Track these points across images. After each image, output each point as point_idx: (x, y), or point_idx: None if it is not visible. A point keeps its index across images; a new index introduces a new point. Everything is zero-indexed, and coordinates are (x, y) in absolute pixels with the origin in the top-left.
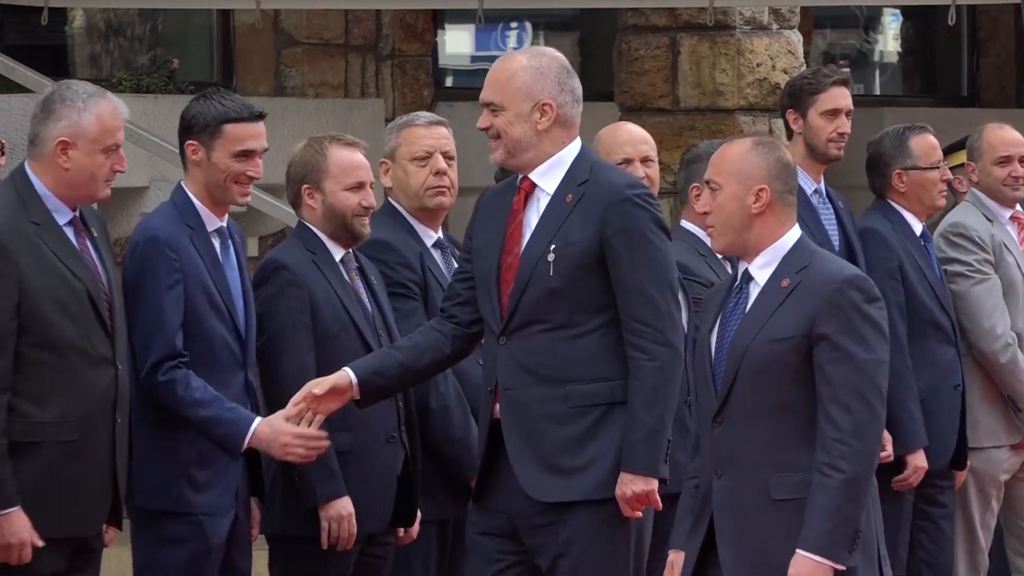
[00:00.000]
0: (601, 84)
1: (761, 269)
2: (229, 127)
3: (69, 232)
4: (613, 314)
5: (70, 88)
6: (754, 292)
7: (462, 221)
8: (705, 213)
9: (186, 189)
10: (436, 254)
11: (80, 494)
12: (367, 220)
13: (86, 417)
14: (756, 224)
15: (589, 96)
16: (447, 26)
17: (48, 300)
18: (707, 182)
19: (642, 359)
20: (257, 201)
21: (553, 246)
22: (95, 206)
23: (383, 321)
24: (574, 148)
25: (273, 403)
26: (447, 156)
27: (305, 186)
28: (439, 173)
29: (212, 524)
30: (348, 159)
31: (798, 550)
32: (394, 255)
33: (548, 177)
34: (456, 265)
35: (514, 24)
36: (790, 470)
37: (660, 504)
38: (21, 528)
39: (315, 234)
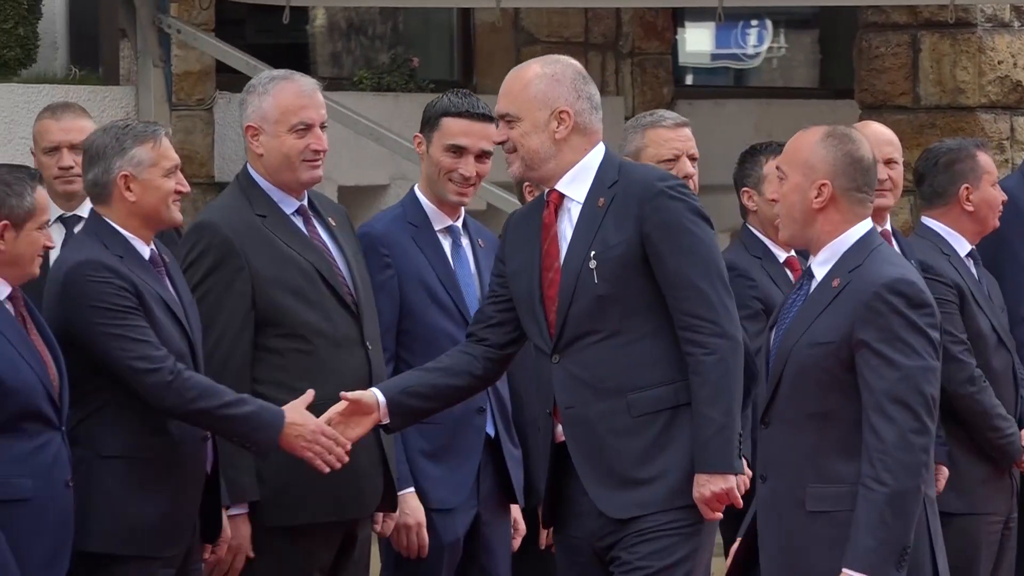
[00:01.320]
0: (841, 82)
1: (821, 265)
2: (447, 120)
3: (298, 221)
4: (665, 313)
5: (258, 77)
6: (812, 289)
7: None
8: (773, 200)
9: (416, 188)
10: None
11: (349, 477)
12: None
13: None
14: (819, 219)
15: (829, 94)
16: (687, 24)
17: (283, 288)
18: (777, 168)
19: (700, 354)
20: (496, 199)
21: (593, 252)
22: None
23: None
24: (598, 153)
25: None
26: (692, 158)
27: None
28: (685, 177)
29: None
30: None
31: (844, 569)
32: None
33: (575, 185)
34: None
35: (754, 22)
36: (828, 481)
37: (740, 502)
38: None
39: None
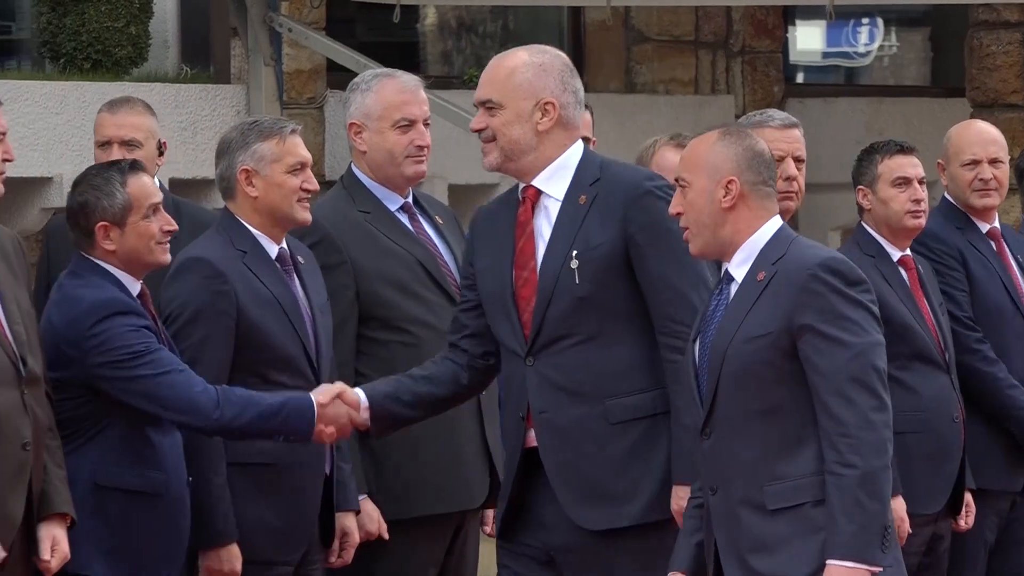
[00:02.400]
0: (953, 80)
1: (740, 266)
2: None
3: (402, 217)
4: (645, 318)
5: (362, 75)
6: (734, 291)
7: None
8: (678, 215)
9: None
10: None
11: (455, 469)
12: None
13: None
14: (729, 219)
15: (940, 92)
16: (797, 22)
17: (385, 281)
18: (676, 180)
19: (680, 360)
20: None
21: (575, 252)
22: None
23: None
24: (577, 150)
25: None
26: (798, 160)
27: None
28: (789, 179)
29: None
30: (672, 160)
31: (828, 560)
32: None
33: (554, 182)
34: None
35: (865, 20)
36: (784, 477)
37: None
38: None
39: None
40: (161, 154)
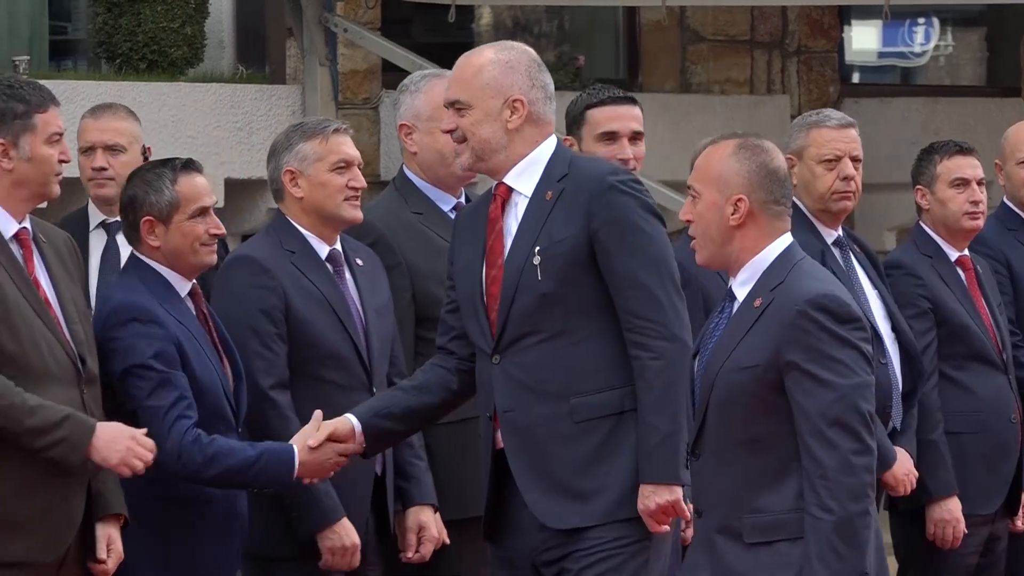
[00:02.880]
0: (1009, 79)
1: (742, 286)
2: (592, 112)
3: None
4: (612, 315)
5: (411, 76)
6: (734, 312)
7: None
8: (688, 222)
9: None
10: (836, 252)
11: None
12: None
13: None
14: (737, 236)
15: (996, 92)
16: (853, 22)
17: (441, 283)
18: (689, 187)
19: (646, 358)
20: (662, 197)
21: (538, 248)
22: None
23: None
24: (549, 146)
25: None
26: (855, 159)
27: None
28: (846, 178)
29: None
30: None
31: None
32: None
33: (524, 178)
34: (856, 264)
35: (921, 19)
36: (763, 511)
37: (688, 513)
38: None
39: None
40: (146, 159)
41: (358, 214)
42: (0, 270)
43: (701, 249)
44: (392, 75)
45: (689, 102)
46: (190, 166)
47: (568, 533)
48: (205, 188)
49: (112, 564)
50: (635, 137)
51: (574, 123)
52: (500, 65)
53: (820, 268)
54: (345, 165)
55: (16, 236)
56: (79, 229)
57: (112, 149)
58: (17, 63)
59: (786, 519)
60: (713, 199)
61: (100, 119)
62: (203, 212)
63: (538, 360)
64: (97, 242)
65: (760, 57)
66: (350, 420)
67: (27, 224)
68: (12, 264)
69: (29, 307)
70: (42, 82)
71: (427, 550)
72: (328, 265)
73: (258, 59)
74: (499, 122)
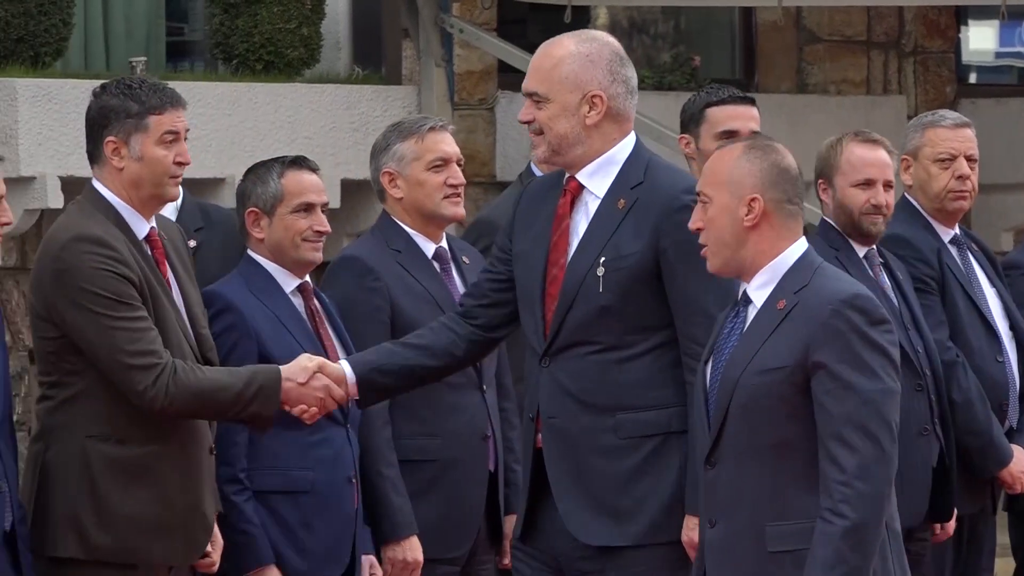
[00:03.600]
0: None
1: (759, 289)
2: (712, 111)
3: None
4: (669, 334)
5: None
6: (752, 316)
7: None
8: (698, 230)
9: None
10: (953, 250)
11: None
12: (878, 219)
13: None
14: (752, 239)
15: None
16: (970, 22)
17: None
18: (698, 194)
19: None
20: None
21: (603, 259)
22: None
23: (911, 316)
24: (627, 145)
25: None
26: (970, 160)
27: (820, 182)
28: (961, 178)
29: None
30: (861, 156)
31: None
32: (912, 251)
33: (597, 178)
34: (973, 262)
35: None
36: (788, 518)
37: None
38: None
39: (837, 231)
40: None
41: (459, 211)
42: (143, 272)
43: (714, 256)
44: (508, 76)
45: (805, 103)
46: (301, 163)
47: (601, 549)
48: (312, 185)
49: (216, 556)
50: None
51: (691, 121)
52: (580, 58)
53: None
54: (442, 163)
55: (147, 237)
56: None
57: None
58: (134, 64)
59: (810, 527)
60: (725, 202)
61: None
62: (308, 208)
63: (588, 370)
64: None
65: (876, 57)
66: (344, 368)
67: (153, 223)
68: (151, 267)
69: (170, 310)
70: None
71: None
72: (435, 263)
73: (374, 60)
74: (577, 117)
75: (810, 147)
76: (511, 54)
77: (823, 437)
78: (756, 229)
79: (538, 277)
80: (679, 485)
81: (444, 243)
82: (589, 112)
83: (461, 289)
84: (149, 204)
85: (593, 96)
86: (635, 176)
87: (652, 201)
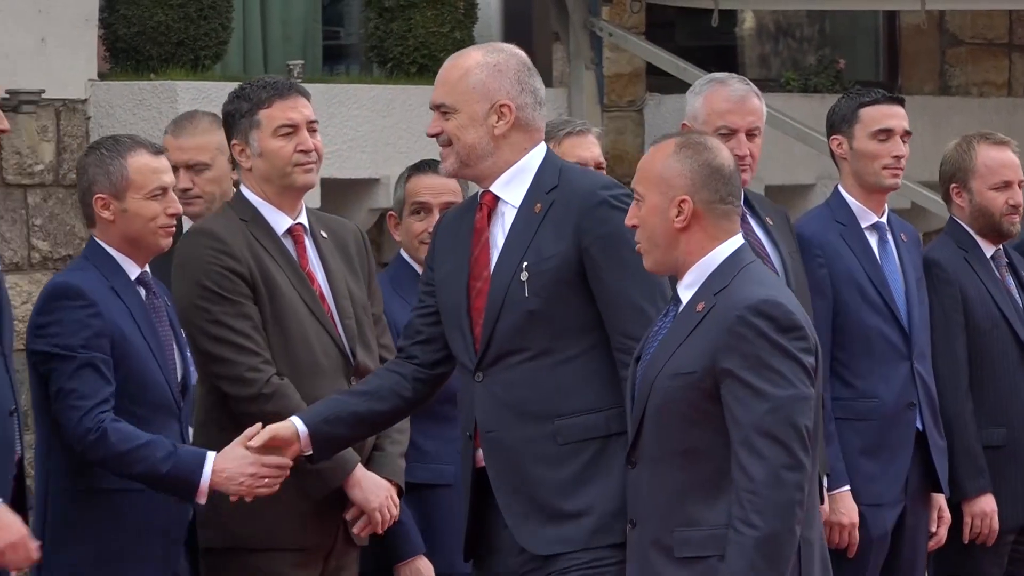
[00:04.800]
0: None
1: (687, 289)
2: (866, 111)
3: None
4: (600, 335)
5: (702, 78)
6: (677, 315)
7: None
8: (633, 227)
9: (840, 187)
10: None
11: None
12: (1016, 219)
13: None
14: (682, 239)
15: None
16: None
17: None
18: (633, 190)
19: None
20: (920, 197)
21: (526, 263)
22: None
23: None
24: (538, 153)
25: None
26: None
27: (953, 185)
28: None
29: None
30: (996, 158)
31: None
32: None
33: (512, 187)
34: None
35: None
36: (695, 524)
37: None
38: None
39: (967, 232)
40: (235, 165)
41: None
42: (274, 265)
43: (647, 254)
44: (656, 78)
45: (948, 104)
46: (425, 167)
47: (548, 558)
48: (429, 187)
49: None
50: (906, 135)
51: (844, 121)
52: (488, 68)
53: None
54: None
55: (290, 231)
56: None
57: (194, 168)
58: (291, 67)
59: (720, 534)
60: (656, 202)
61: (180, 136)
62: (423, 208)
63: (522, 379)
64: None
65: (1018, 60)
66: (294, 424)
67: (302, 219)
68: (286, 258)
69: (302, 302)
70: (315, 87)
71: None
72: None
73: None
74: (485, 127)
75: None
76: (659, 57)
77: (733, 445)
78: (687, 230)
79: (462, 294)
80: (624, 487)
81: None
82: (497, 122)
83: None
84: (284, 197)
85: (501, 106)
86: (550, 181)
87: (569, 202)
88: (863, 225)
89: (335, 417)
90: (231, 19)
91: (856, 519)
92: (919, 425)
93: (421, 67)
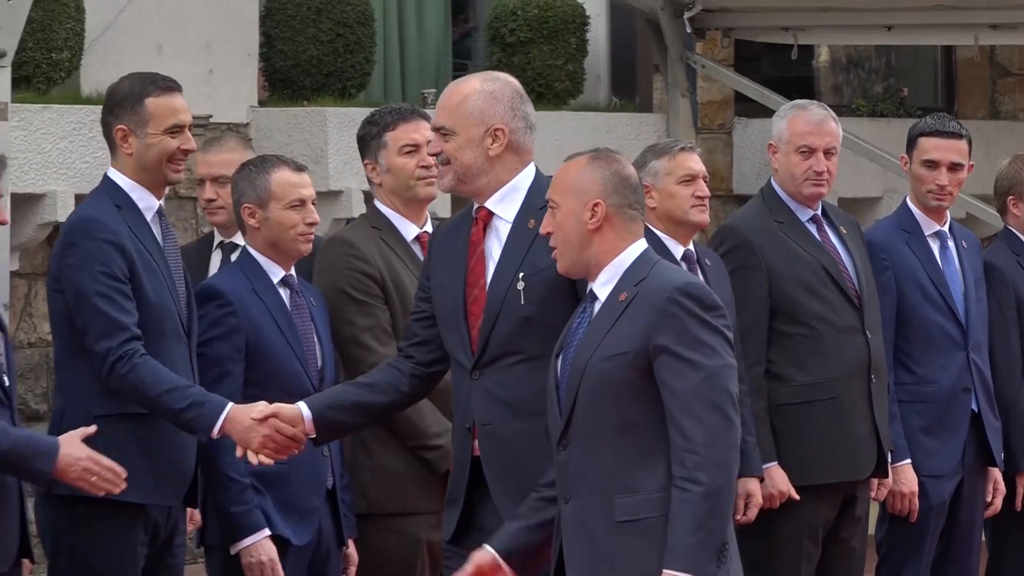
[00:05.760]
0: None
1: (603, 286)
2: (923, 140)
3: (811, 228)
4: None
5: (787, 104)
6: (597, 310)
7: None
8: (548, 234)
9: (907, 200)
10: None
11: (847, 444)
12: None
13: (842, 377)
14: (595, 240)
15: None
16: None
17: (794, 282)
18: (548, 200)
19: None
20: (974, 208)
21: (522, 274)
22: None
23: None
24: (529, 173)
25: None
26: None
27: (1010, 197)
28: None
29: None
30: None
31: (664, 569)
32: None
33: (505, 204)
34: None
35: None
36: (633, 491)
37: None
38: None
39: (1020, 239)
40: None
41: (704, 218)
42: (403, 267)
43: (562, 257)
44: (743, 105)
45: (998, 128)
46: (278, 162)
47: None
48: (296, 179)
49: None
50: (953, 167)
51: (910, 144)
52: (484, 95)
53: (677, 267)
54: (690, 178)
55: (417, 238)
56: (205, 248)
57: (219, 180)
58: (425, 95)
59: (655, 498)
60: (571, 207)
61: (208, 153)
62: (296, 204)
63: (517, 379)
64: (215, 260)
65: None
66: (300, 408)
67: (428, 227)
68: (415, 262)
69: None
70: None
71: (752, 515)
72: (682, 264)
73: (629, 91)
74: (480, 148)
75: (1000, 167)
76: (746, 86)
77: (671, 412)
78: (599, 232)
79: (459, 300)
80: None
81: (691, 246)
82: (492, 144)
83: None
84: (411, 207)
85: (496, 129)
86: (540, 199)
87: None
88: (926, 233)
89: (338, 404)
90: (374, 53)
91: (916, 489)
92: (974, 407)
93: (538, 95)
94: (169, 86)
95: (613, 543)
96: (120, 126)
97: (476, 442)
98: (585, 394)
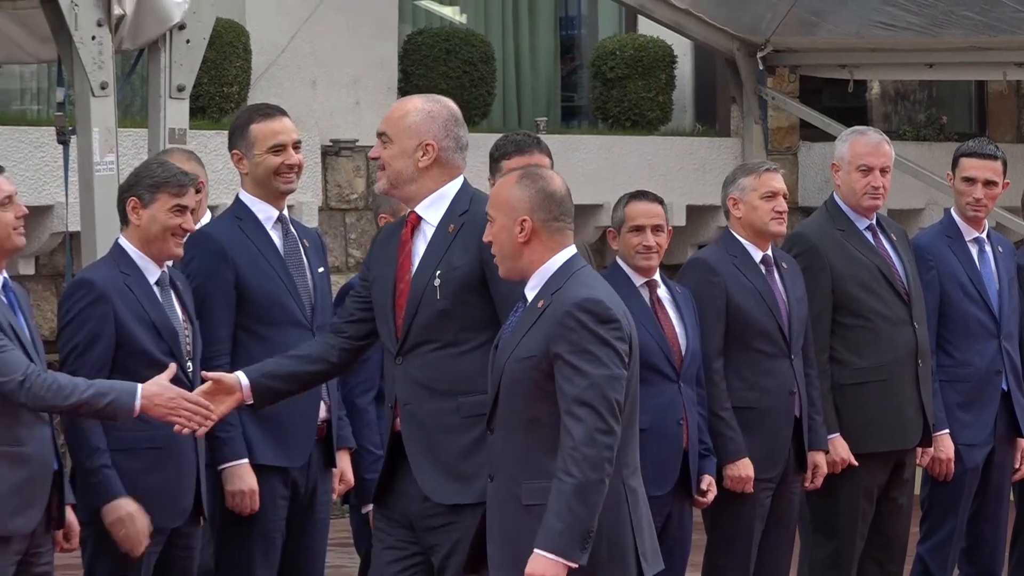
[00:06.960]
0: None
1: (531, 291)
2: (963, 159)
3: (868, 235)
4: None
5: (847, 130)
6: (523, 312)
7: None
8: (489, 242)
9: (951, 210)
10: None
11: (897, 418)
12: None
13: (894, 362)
14: (525, 252)
15: None
16: None
17: (853, 282)
18: (487, 214)
19: None
20: (1002, 219)
21: (438, 272)
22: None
23: None
24: (455, 184)
25: None
26: None
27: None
28: None
29: None
30: None
31: (535, 549)
32: None
33: (432, 210)
34: None
35: None
36: (537, 477)
37: None
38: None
39: None
40: (198, 192)
41: (782, 229)
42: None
43: (501, 264)
44: (807, 131)
45: (1023, 151)
46: (640, 196)
47: (449, 507)
48: (643, 211)
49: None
50: (988, 184)
51: (953, 164)
52: (423, 113)
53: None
54: (771, 195)
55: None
56: None
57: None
58: (538, 123)
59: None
60: (504, 222)
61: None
62: (639, 229)
63: (433, 364)
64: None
65: None
66: (238, 377)
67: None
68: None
69: None
70: (555, 137)
71: (819, 482)
72: (761, 267)
73: (710, 119)
74: (412, 159)
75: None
76: (810, 115)
77: (561, 413)
78: (528, 244)
79: (389, 292)
80: None
81: (769, 251)
82: (422, 157)
83: (780, 286)
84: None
85: (427, 144)
86: (462, 206)
87: (476, 224)
88: (967, 239)
89: (272, 373)
90: (494, 86)
91: (952, 455)
92: (1004, 387)
93: (633, 122)
94: (270, 112)
95: (520, 523)
96: (235, 151)
97: (398, 419)
98: (505, 388)
